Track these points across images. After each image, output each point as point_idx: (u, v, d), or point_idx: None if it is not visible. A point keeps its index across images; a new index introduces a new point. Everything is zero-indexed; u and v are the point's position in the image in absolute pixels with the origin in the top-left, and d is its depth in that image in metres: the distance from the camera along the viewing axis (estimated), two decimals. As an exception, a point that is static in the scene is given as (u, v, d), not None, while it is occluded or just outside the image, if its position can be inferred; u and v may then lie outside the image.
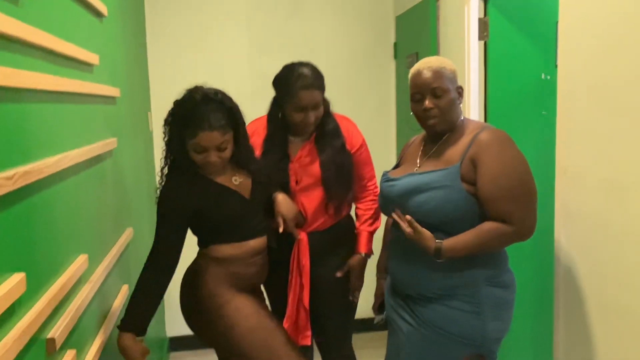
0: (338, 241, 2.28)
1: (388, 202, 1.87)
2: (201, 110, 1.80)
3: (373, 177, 2.35)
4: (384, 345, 2.04)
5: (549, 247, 2.03)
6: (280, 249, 2.19)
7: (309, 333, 2.23)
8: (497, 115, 2.54)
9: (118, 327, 1.81)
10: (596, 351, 1.75)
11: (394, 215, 1.78)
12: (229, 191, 1.92)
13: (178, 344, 3.50)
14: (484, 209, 1.69)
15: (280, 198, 2.04)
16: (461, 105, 1.85)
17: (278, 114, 2.20)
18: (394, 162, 3.59)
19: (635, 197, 1.56)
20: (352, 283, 2.28)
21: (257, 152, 2.18)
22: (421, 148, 1.90)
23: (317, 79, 2.13)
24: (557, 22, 1.92)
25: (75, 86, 1.55)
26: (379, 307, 2.13)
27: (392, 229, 1.91)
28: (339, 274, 2.25)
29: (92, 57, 1.76)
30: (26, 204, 1.18)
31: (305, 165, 2.18)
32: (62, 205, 1.44)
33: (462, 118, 1.85)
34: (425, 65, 1.79)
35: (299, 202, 2.17)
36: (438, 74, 1.76)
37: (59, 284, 1.33)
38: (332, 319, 2.30)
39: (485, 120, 2.57)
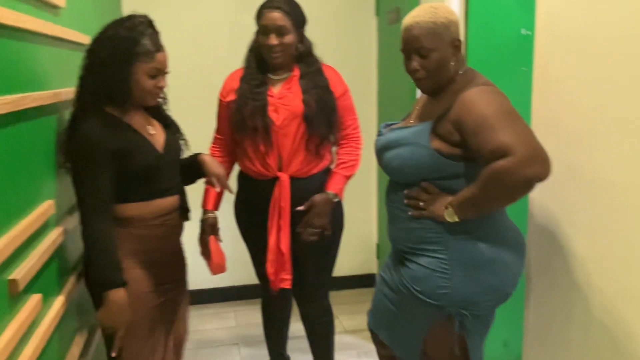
0: (318, 192, 2.25)
1: (376, 155, 1.84)
2: (148, 32, 1.71)
3: (355, 124, 2.33)
4: (362, 301, 2.03)
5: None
6: (260, 193, 2.19)
7: (289, 277, 2.21)
8: (477, 70, 2.51)
9: (101, 289, 1.66)
10: (564, 296, 1.79)
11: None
12: (145, 140, 1.78)
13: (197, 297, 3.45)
14: (484, 168, 1.51)
15: (207, 158, 1.98)
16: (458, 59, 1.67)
17: (254, 45, 2.24)
18: (374, 120, 3.61)
19: (602, 146, 1.61)
20: (308, 218, 2.19)
21: (234, 95, 2.19)
22: (422, 101, 1.82)
23: (285, 4, 2.14)
24: (537, -25, 1.90)
25: (38, 25, 1.50)
26: None
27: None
28: (300, 208, 2.18)
29: (58, -1, 1.70)
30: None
31: (287, 100, 2.16)
32: (25, 146, 1.41)
33: (462, 72, 1.71)
34: (414, 20, 1.64)
35: (276, 140, 2.15)
36: (426, 30, 1.61)
37: (21, 225, 1.31)
38: (309, 269, 2.30)
39: (464, 75, 2.55)
